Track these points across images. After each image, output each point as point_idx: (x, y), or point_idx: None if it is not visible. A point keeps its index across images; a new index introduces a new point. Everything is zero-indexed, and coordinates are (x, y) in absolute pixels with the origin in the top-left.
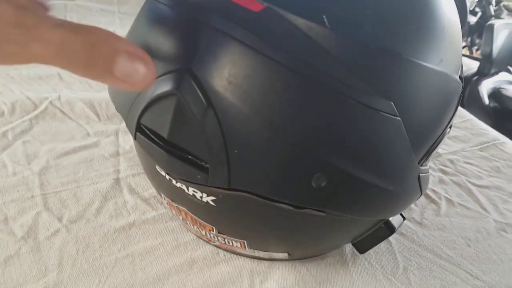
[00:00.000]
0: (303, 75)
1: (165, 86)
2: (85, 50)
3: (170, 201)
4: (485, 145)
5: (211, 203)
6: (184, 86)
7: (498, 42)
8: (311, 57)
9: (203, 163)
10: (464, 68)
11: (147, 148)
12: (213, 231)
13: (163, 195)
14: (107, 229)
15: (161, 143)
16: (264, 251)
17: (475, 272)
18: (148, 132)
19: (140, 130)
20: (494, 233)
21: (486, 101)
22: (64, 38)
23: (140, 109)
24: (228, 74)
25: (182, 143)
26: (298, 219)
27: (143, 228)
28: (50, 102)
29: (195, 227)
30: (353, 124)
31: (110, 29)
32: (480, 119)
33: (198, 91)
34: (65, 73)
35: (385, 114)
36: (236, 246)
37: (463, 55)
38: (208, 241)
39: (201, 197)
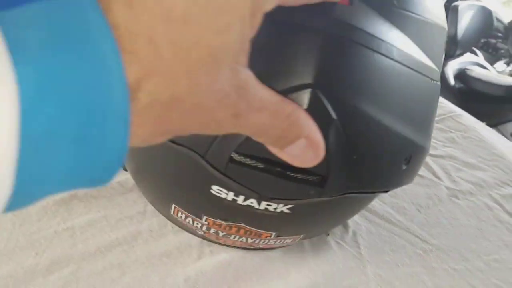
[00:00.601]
0: (405, 66)
1: None
2: (275, 133)
3: (221, 221)
4: (442, 117)
5: (286, 211)
6: (313, 103)
7: (463, 23)
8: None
9: (316, 177)
10: None
11: (242, 176)
12: (270, 236)
13: (205, 217)
14: (46, 201)
15: (270, 167)
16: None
17: (424, 236)
18: (242, 159)
19: (232, 160)
20: (445, 200)
21: (452, 82)
22: (263, 124)
23: (244, 137)
24: (356, 80)
25: None
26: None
27: (85, 201)
28: None
29: (244, 238)
30: (426, 99)
31: None
32: (446, 99)
33: (327, 105)
34: None
35: (435, 81)
36: (286, 242)
37: None
38: (248, 247)
39: (275, 208)
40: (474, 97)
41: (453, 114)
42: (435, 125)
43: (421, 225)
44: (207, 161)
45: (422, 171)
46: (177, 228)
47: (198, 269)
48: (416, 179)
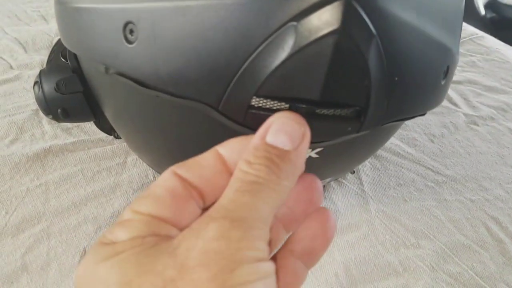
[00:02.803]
0: None
1: (321, 27)
2: None
3: None
4: (462, 40)
5: (314, 156)
6: (349, 17)
7: None
8: None
9: (352, 110)
10: None
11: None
12: None
13: None
14: (19, 158)
15: (296, 107)
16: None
17: (436, 167)
18: (262, 104)
19: (251, 107)
20: (463, 127)
21: (483, 11)
22: None
23: (263, 77)
24: None
25: (335, 97)
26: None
27: (60, 155)
28: None
29: None
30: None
31: None
32: None
33: (365, 18)
34: None
35: None
36: None
37: None
38: None
39: None
40: (507, 25)
41: (474, 36)
42: None
43: (434, 156)
44: (222, 113)
45: None
46: (158, 176)
47: None
48: None
